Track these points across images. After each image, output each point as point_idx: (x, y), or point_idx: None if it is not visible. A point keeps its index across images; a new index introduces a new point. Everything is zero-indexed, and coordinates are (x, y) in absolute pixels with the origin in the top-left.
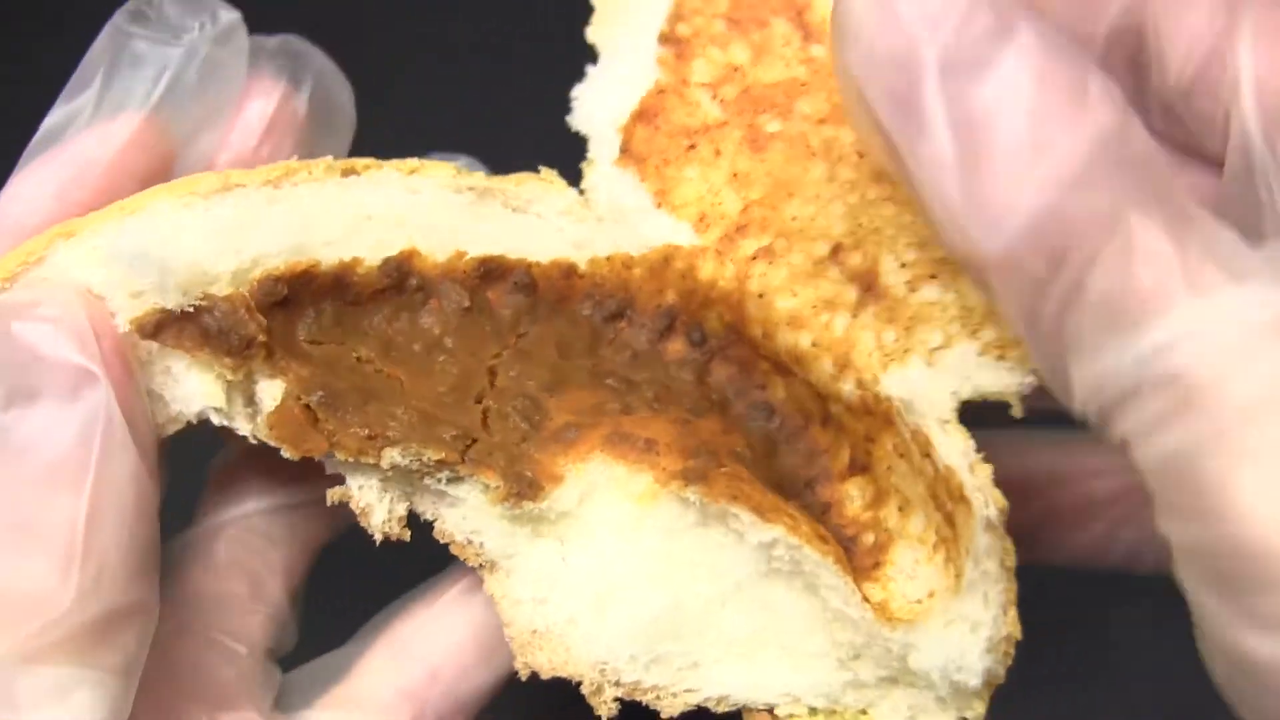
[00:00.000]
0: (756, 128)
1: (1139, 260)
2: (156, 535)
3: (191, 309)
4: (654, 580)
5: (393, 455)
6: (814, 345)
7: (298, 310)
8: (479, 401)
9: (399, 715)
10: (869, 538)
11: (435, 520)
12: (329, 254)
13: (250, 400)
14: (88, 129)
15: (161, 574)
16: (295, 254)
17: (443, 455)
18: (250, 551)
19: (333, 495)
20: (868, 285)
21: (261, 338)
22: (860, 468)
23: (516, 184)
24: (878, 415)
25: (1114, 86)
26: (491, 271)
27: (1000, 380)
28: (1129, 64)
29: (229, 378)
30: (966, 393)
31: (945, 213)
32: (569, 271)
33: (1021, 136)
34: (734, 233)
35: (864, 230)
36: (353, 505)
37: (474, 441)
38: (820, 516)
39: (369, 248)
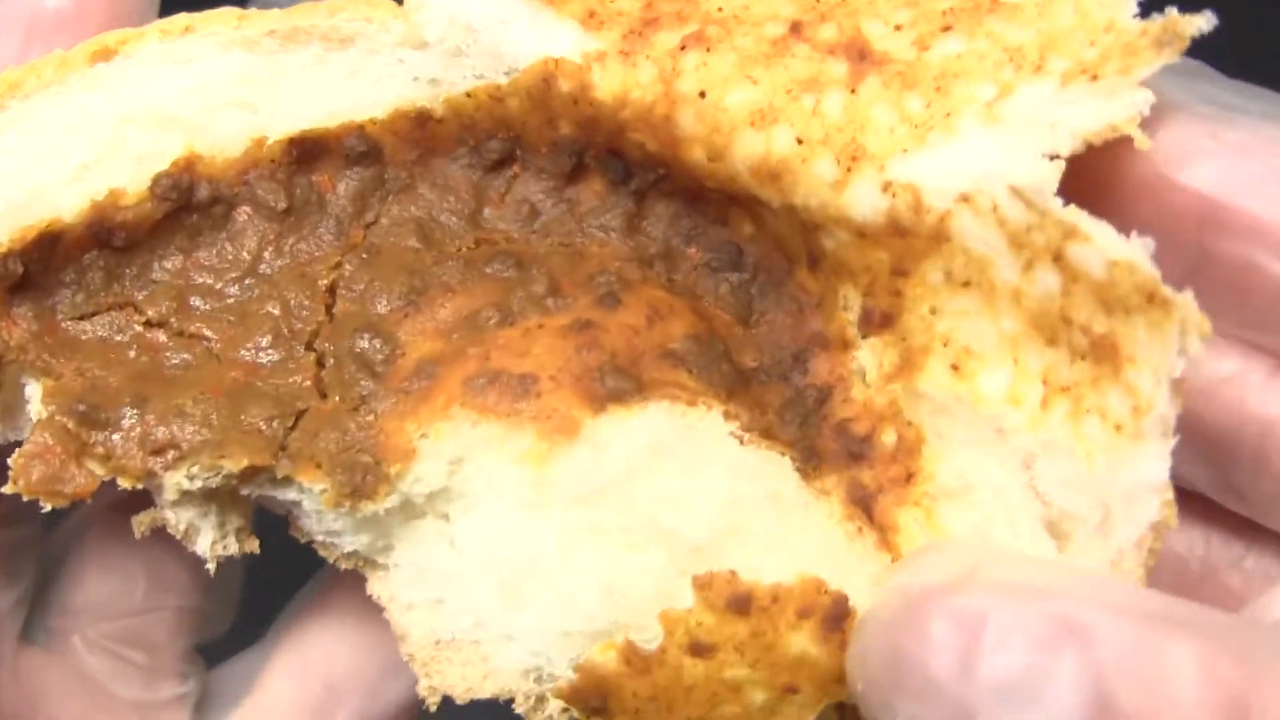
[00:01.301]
0: None
1: None
2: None
3: None
4: (574, 551)
5: (177, 480)
6: (799, 142)
7: (49, 283)
8: (310, 347)
9: None
10: (888, 436)
11: (288, 518)
12: (73, 195)
13: (14, 410)
14: None
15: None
16: (21, 213)
17: (246, 462)
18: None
19: (139, 524)
20: (859, 54)
21: (12, 352)
22: (879, 321)
23: (330, 13)
24: (919, 228)
25: None
26: (310, 150)
27: (1106, 110)
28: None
29: None
30: (1066, 143)
31: None
32: (421, 120)
33: None
34: (640, 28)
35: (825, 3)
36: (170, 529)
37: (298, 419)
38: (814, 412)
39: (132, 166)
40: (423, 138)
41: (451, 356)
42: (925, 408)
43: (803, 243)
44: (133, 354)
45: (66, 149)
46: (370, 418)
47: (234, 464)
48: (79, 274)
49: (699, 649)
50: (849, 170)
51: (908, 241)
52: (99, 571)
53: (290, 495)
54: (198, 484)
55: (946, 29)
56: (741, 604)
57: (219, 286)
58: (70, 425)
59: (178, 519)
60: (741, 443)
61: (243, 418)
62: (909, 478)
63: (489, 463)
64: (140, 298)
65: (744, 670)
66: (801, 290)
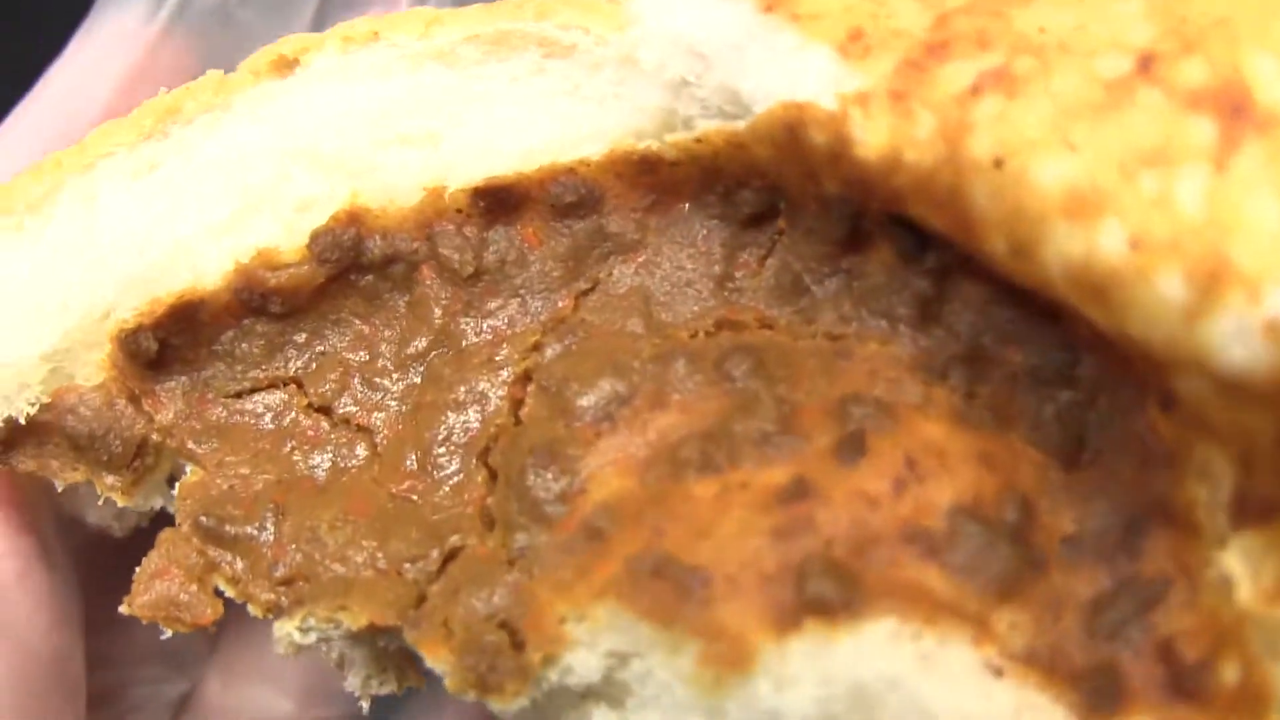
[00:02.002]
0: None
1: None
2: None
3: (38, 408)
4: None
5: (288, 630)
6: (1134, 247)
7: (199, 356)
8: (485, 460)
9: None
10: (1230, 670)
11: None
12: (218, 254)
13: (160, 493)
14: None
15: None
16: (159, 275)
17: (366, 620)
18: None
19: (280, 641)
20: (1234, 108)
21: (156, 436)
22: (1258, 510)
23: (539, 14)
24: None
25: None
26: (503, 201)
27: None
28: None
29: (120, 500)
30: None
31: None
32: (648, 164)
33: None
34: (922, 57)
35: (1192, 25)
36: (324, 657)
37: (447, 561)
38: (1135, 619)
39: (289, 216)
40: (655, 183)
41: (635, 512)
42: None
43: (1155, 370)
44: (289, 448)
45: (217, 192)
46: (525, 578)
47: (352, 620)
48: (234, 343)
49: None
50: (1206, 294)
51: None
52: (254, 673)
53: (424, 664)
54: (311, 637)
55: None
56: None
57: (397, 366)
58: (195, 540)
59: (329, 645)
60: (998, 675)
61: (386, 550)
62: None
63: (659, 669)
64: (306, 373)
65: None
66: (1152, 433)
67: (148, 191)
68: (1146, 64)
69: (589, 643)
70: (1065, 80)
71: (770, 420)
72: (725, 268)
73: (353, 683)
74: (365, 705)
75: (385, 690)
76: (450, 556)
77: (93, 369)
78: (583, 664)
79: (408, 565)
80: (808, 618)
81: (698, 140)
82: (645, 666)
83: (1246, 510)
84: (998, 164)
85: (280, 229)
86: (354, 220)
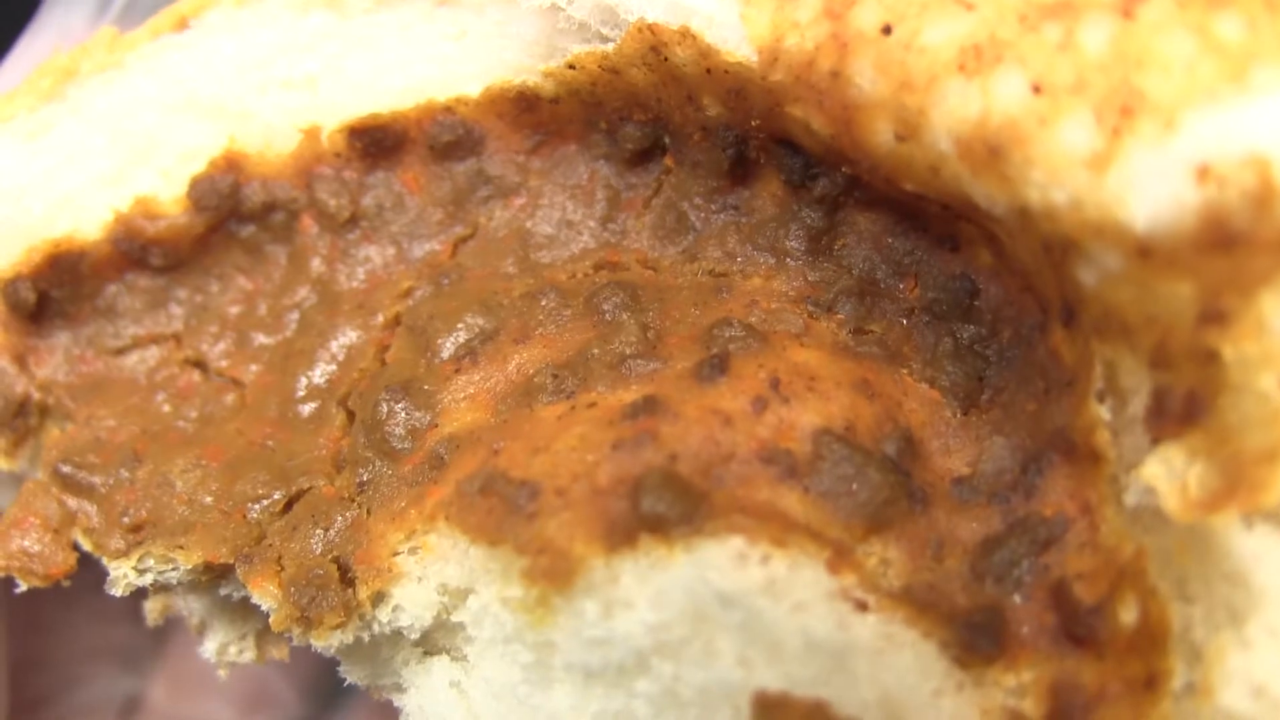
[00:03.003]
0: None
1: None
2: None
3: None
4: None
5: (124, 571)
6: (1036, 91)
7: (83, 311)
8: (344, 403)
9: None
10: (1128, 611)
11: None
12: (100, 205)
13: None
14: None
15: None
16: (40, 228)
17: (201, 557)
18: None
19: (151, 611)
20: None
21: (36, 393)
22: (1180, 412)
23: None
24: (1262, 231)
25: None
26: (381, 141)
27: None
28: None
29: (2, 463)
30: None
31: None
32: (527, 101)
33: None
34: None
35: None
36: (187, 621)
37: (291, 502)
38: (1025, 560)
39: (172, 167)
40: (536, 122)
41: (468, 442)
42: (1225, 567)
43: (1054, 280)
44: (159, 401)
45: (104, 145)
46: (363, 513)
47: (185, 559)
48: (115, 298)
49: None
50: (1117, 133)
51: (1236, 259)
52: (199, 683)
53: (260, 602)
54: (149, 577)
55: None
56: None
57: (277, 316)
58: (53, 489)
59: (189, 609)
60: (860, 609)
61: (235, 492)
62: (1149, 682)
63: (491, 604)
64: (189, 328)
65: None
66: (1053, 359)
67: (39, 150)
68: None
69: (419, 575)
70: None
71: (630, 345)
72: (609, 209)
73: (209, 648)
74: (223, 674)
75: (245, 658)
76: (295, 498)
77: None
78: (412, 600)
79: (252, 506)
80: (642, 534)
81: (570, 67)
82: (479, 603)
83: (1166, 416)
84: (886, 30)
85: (162, 179)
86: (232, 166)
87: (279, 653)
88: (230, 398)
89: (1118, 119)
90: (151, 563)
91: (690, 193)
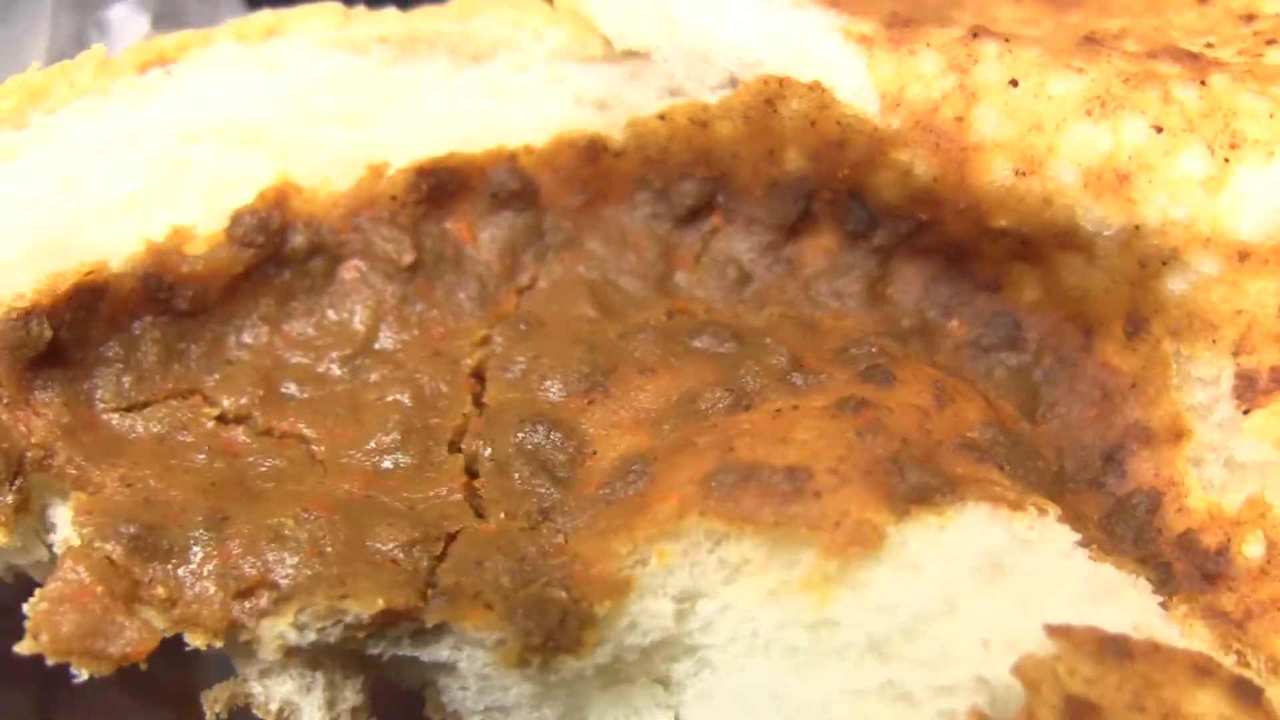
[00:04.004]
0: None
1: None
2: None
3: None
4: None
5: (280, 631)
6: (1158, 130)
7: (86, 358)
8: (456, 447)
9: None
10: (1252, 547)
11: (424, 691)
12: (122, 234)
13: (44, 530)
14: None
15: None
16: (52, 254)
17: (381, 604)
18: None
19: (213, 701)
20: (1180, 56)
21: (32, 452)
22: (1266, 383)
23: (461, 18)
24: None
25: None
26: (444, 184)
27: None
28: None
29: None
30: None
31: None
32: (592, 151)
33: None
34: (898, 20)
35: (1105, 31)
36: (256, 709)
37: (450, 542)
38: (1147, 525)
39: (203, 198)
40: (592, 177)
41: (669, 452)
42: None
43: (1125, 298)
44: (202, 458)
45: (112, 170)
46: (558, 539)
47: (362, 607)
48: (126, 348)
49: (1081, 710)
50: (1227, 162)
51: None
52: None
53: (441, 654)
54: (309, 637)
55: (1271, 42)
56: (1117, 649)
57: (320, 369)
58: (116, 555)
59: (267, 693)
60: (1089, 548)
61: (368, 543)
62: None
63: (739, 600)
64: (210, 383)
65: None
66: (1106, 371)
67: (32, 168)
68: (1092, 37)
69: (656, 587)
70: (1035, 38)
71: (783, 362)
72: (663, 264)
73: None
74: None
75: None
76: (450, 539)
77: None
78: (652, 614)
79: (400, 554)
80: (913, 505)
81: (661, 117)
82: (716, 607)
83: (1256, 389)
84: (1013, 83)
85: (193, 212)
86: (280, 201)
87: None
88: (294, 453)
89: (1227, 151)
90: (308, 618)
91: (744, 248)
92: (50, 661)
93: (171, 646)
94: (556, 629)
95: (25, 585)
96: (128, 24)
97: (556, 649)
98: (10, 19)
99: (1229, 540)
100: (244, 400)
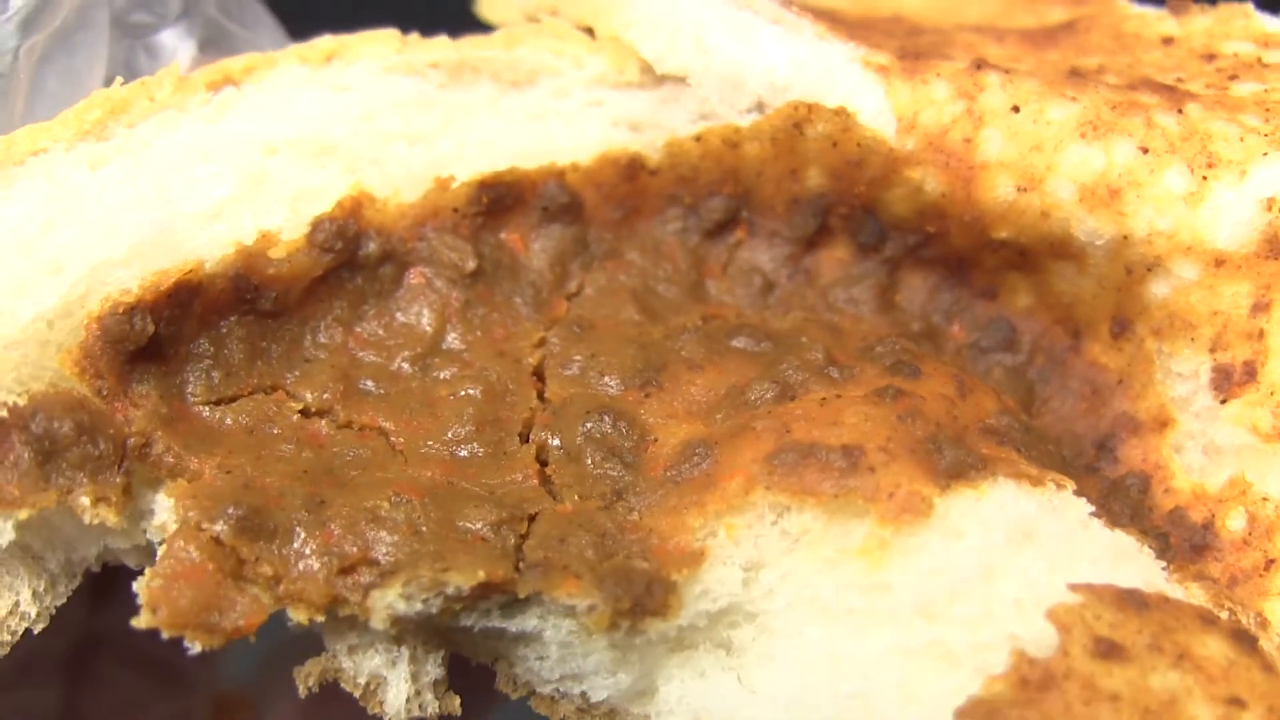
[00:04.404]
0: None
1: None
2: None
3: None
4: (917, 685)
5: (389, 602)
6: (1144, 151)
7: (178, 354)
8: (526, 438)
9: None
10: (1234, 520)
11: (495, 665)
12: (213, 237)
13: (140, 516)
14: None
15: None
16: (155, 253)
17: (482, 575)
18: None
19: (305, 676)
20: (1157, 88)
21: (134, 439)
22: (1240, 376)
23: (507, 46)
24: None
25: None
26: (502, 197)
27: None
28: None
29: (110, 517)
30: None
31: None
32: (631, 170)
33: None
34: (909, 53)
35: (1086, 66)
36: (344, 683)
37: (531, 522)
38: (1140, 503)
39: (282, 208)
40: (629, 194)
41: (728, 436)
42: None
43: (1112, 302)
44: (290, 448)
45: (201, 178)
46: (633, 516)
47: (465, 579)
48: (215, 345)
49: (1108, 649)
50: (1205, 179)
51: None
52: None
53: (529, 624)
54: (415, 607)
55: (1233, 78)
56: (1136, 600)
57: (393, 367)
58: (224, 534)
59: (356, 667)
60: (1110, 526)
61: (459, 523)
62: (1268, 565)
63: (798, 568)
64: (291, 380)
65: (1173, 676)
66: (1095, 368)
67: (124, 175)
68: (1077, 70)
69: (727, 557)
70: (1030, 69)
71: (819, 357)
72: (694, 274)
73: (394, 705)
74: None
75: (424, 714)
76: (531, 520)
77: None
78: (723, 581)
79: (489, 532)
80: (952, 480)
81: (696, 139)
82: (778, 575)
83: (1231, 381)
84: (1015, 109)
85: (276, 218)
86: (356, 210)
87: (451, 708)
88: (375, 444)
89: (1205, 170)
90: (415, 589)
91: (766, 259)
92: (165, 635)
93: None
94: (644, 595)
95: None
96: (177, 49)
97: (644, 613)
98: (70, 48)
99: (1213, 516)
100: (325, 395)
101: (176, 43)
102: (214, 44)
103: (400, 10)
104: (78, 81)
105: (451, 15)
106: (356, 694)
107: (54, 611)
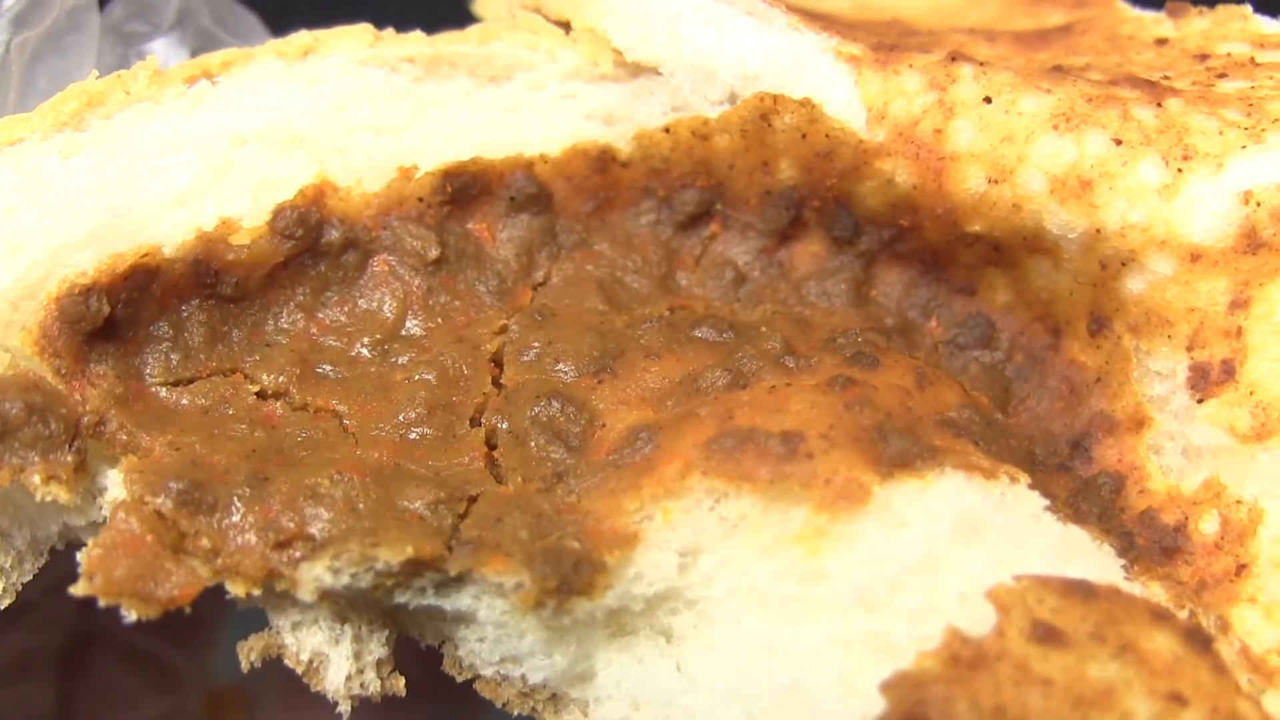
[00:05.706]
0: None
1: None
2: None
3: None
4: (855, 677)
5: (317, 574)
6: (1118, 143)
7: (137, 336)
8: (476, 422)
9: None
10: (1207, 524)
11: (442, 648)
12: (175, 223)
13: (96, 494)
14: None
15: None
16: (113, 237)
17: (410, 552)
18: None
19: (248, 651)
20: (1139, 83)
21: (88, 418)
22: (1218, 375)
23: (482, 41)
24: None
25: None
26: (467, 188)
27: None
28: None
29: (62, 494)
30: None
31: None
32: (602, 162)
33: None
34: (884, 46)
35: (1072, 63)
36: (288, 660)
37: (471, 503)
38: (1111, 503)
39: (246, 196)
40: (601, 185)
41: (674, 423)
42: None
43: (1088, 298)
44: (243, 428)
45: (166, 167)
46: (571, 498)
47: (393, 554)
48: (174, 328)
49: (1046, 633)
50: (1180, 171)
51: (1259, 259)
52: None
53: (463, 603)
54: (343, 580)
55: (1221, 76)
56: (1082, 589)
57: (352, 352)
58: (165, 508)
59: (299, 644)
60: (1064, 521)
61: (398, 502)
62: (1239, 570)
63: (736, 554)
64: (250, 364)
65: (1113, 666)
66: (1073, 367)
67: (92, 163)
68: (1059, 67)
69: (662, 541)
70: (1009, 66)
71: (776, 347)
72: (665, 266)
73: (334, 681)
74: (345, 711)
75: (371, 690)
76: (472, 501)
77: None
78: (657, 564)
79: (427, 512)
80: (896, 469)
81: (665, 130)
82: (716, 561)
83: (1209, 380)
84: (987, 100)
85: (240, 206)
86: (318, 199)
87: (395, 687)
88: (330, 425)
89: (1181, 162)
90: (344, 561)
91: (739, 252)
92: (102, 603)
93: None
94: (571, 573)
95: (46, 581)
96: (169, 58)
97: (570, 592)
98: (61, 50)
99: (1186, 518)
100: (281, 378)
101: (169, 51)
102: (206, 53)
103: (398, 13)
104: (68, 81)
105: (452, 15)
106: (299, 670)
107: (20, 588)
